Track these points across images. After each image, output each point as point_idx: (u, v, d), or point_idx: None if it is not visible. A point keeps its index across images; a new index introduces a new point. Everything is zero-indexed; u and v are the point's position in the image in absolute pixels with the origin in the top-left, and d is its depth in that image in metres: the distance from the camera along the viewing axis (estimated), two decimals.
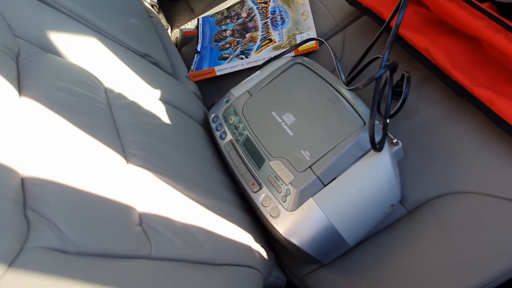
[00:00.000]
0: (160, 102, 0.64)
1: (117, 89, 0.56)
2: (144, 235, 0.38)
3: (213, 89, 0.91)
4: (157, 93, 0.65)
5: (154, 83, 0.65)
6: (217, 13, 1.01)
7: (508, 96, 0.56)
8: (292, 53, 0.81)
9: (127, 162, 0.45)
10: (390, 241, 0.59)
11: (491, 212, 0.54)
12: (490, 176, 0.56)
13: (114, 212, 0.37)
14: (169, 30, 1.11)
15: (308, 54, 0.82)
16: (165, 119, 0.60)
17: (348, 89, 0.57)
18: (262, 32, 0.88)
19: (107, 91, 0.54)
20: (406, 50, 0.69)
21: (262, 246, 0.56)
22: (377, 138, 0.52)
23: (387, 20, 0.63)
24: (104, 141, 0.44)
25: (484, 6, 0.68)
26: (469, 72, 0.60)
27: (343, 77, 0.61)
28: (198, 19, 1.02)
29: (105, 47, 0.60)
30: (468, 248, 0.53)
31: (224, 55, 0.88)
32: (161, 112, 0.61)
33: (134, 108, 0.55)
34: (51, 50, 0.52)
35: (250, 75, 0.73)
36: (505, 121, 0.55)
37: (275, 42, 0.84)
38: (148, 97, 0.61)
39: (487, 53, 0.63)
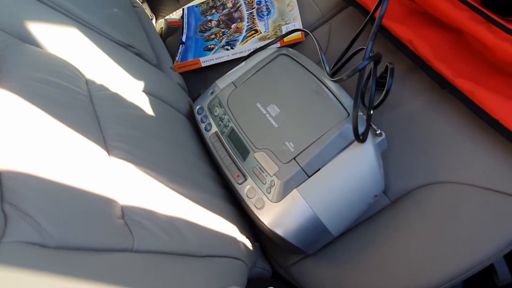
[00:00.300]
0: (144, 94, 0.63)
1: (98, 81, 0.55)
2: (126, 228, 0.38)
3: (198, 80, 0.90)
4: (141, 84, 0.64)
5: (137, 75, 0.64)
6: (203, 3, 0.99)
7: (489, 88, 0.57)
8: (278, 44, 0.80)
9: (108, 154, 0.45)
10: (373, 230, 0.60)
11: (470, 201, 0.55)
12: (471, 166, 0.57)
13: (95, 205, 0.37)
14: (153, 21, 1.10)
15: (293, 45, 0.82)
16: (149, 111, 0.59)
17: (333, 81, 0.57)
18: (247, 22, 0.88)
19: (88, 82, 0.53)
20: (390, 41, 0.69)
21: (247, 237, 0.56)
22: (361, 129, 0.52)
23: (371, 11, 0.63)
24: (84, 133, 0.43)
25: None
26: (451, 63, 0.61)
27: (327, 69, 0.61)
28: (183, 9, 1.01)
29: (86, 37, 0.59)
30: (448, 237, 0.55)
31: (209, 46, 0.87)
32: (144, 104, 0.60)
33: (116, 100, 0.54)
34: (30, 40, 0.50)
35: (236, 66, 0.72)
36: (486, 112, 0.56)
37: (261, 33, 0.84)
38: (131, 88, 0.61)
39: (470, 45, 0.63)
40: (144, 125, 0.55)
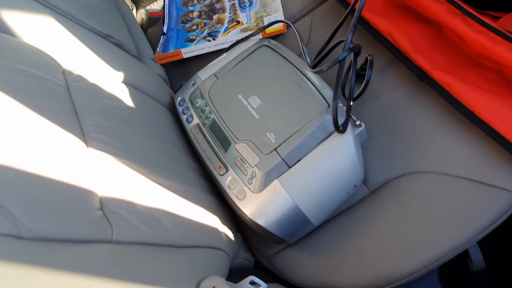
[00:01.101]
0: (124, 85, 0.62)
1: (76, 71, 0.54)
2: (105, 219, 0.37)
3: (180, 72, 0.89)
4: (120, 75, 0.63)
5: (117, 65, 0.63)
6: None
7: (465, 80, 0.59)
8: (260, 36, 0.80)
9: (87, 146, 0.44)
10: (353, 220, 0.61)
11: (446, 190, 0.56)
12: (447, 156, 0.58)
13: (72, 197, 0.36)
14: (134, 11, 1.08)
15: (275, 37, 0.82)
16: (129, 102, 0.59)
17: (313, 72, 0.58)
18: (229, 13, 0.87)
19: (65, 73, 0.52)
20: (370, 34, 0.70)
21: (229, 228, 0.57)
22: (341, 120, 0.53)
23: (351, 3, 0.63)
24: (61, 124, 0.42)
25: None
26: (429, 56, 0.62)
27: (308, 60, 0.61)
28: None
29: (62, 27, 0.57)
30: (425, 224, 0.56)
31: (191, 37, 0.86)
32: (124, 95, 0.59)
33: (94, 91, 0.53)
34: (3, 29, 0.49)
35: (218, 57, 0.72)
36: (462, 104, 0.57)
37: (243, 24, 0.83)
38: (110, 79, 0.60)
39: (447, 38, 0.65)
40: (123, 116, 0.54)
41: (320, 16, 0.82)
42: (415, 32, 0.66)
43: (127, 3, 1.05)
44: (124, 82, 0.63)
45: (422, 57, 0.62)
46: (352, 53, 0.53)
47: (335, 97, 0.51)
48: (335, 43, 0.66)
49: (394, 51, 0.65)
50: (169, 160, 0.56)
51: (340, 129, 0.53)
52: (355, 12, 0.50)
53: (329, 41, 0.70)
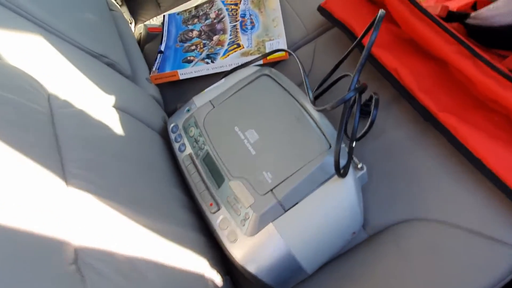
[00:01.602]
0: (114, 110, 0.58)
1: (62, 96, 0.50)
2: (78, 275, 0.33)
3: (175, 93, 0.86)
4: (111, 99, 0.59)
5: (108, 88, 0.59)
6: (185, 11, 0.95)
7: (472, 124, 0.56)
8: (260, 61, 0.77)
9: (66, 184, 0.40)
10: (349, 266, 0.57)
11: (450, 241, 0.53)
12: (452, 204, 0.55)
13: (43, 251, 0.32)
14: (132, 25, 1.05)
15: (277, 62, 0.79)
16: (118, 129, 0.55)
17: (316, 110, 0.55)
18: (230, 35, 0.84)
19: (50, 98, 0.48)
20: (375, 67, 0.67)
21: (218, 272, 0.53)
22: (342, 162, 0.50)
23: (358, 37, 0.61)
24: (39, 160, 0.38)
25: (453, 26, 0.68)
26: (435, 95, 0.59)
27: (310, 96, 0.58)
28: (164, 15, 0.96)
29: (51, 45, 0.54)
30: (426, 277, 0.53)
31: (189, 58, 0.83)
32: (114, 121, 0.55)
33: (81, 118, 0.50)
34: None
35: (216, 80, 0.69)
36: (468, 150, 0.55)
37: (243, 47, 0.80)
38: (100, 104, 0.56)
39: (455, 78, 0.62)
40: (110, 146, 0.50)
41: (324, 44, 0.79)
42: (421, 69, 0.63)
43: (126, 17, 1.02)
44: (115, 106, 0.59)
45: (428, 96, 0.59)
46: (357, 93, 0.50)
47: (338, 139, 0.48)
48: (339, 77, 0.64)
49: (399, 88, 0.63)
50: (156, 196, 0.52)
51: (341, 172, 0.49)
52: (364, 51, 0.47)
53: (331, 73, 0.68)
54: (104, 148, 0.49)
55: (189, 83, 0.83)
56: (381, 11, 0.49)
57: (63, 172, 0.41)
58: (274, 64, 0.80)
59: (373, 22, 0.54)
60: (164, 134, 0.69)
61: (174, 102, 0.84)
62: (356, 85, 0.48)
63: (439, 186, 0.57)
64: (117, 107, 0.59)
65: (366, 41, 0.63)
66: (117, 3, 1.01)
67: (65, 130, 0.46)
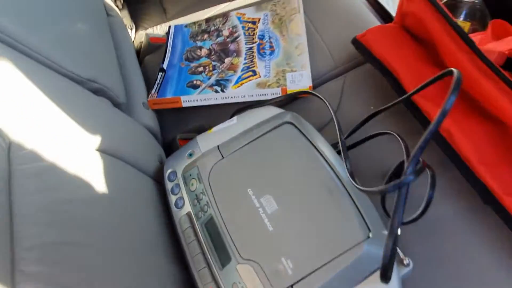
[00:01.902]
0: (98, 154, 0.46)
1: (28, 144, 0.38)
2: None
3: (176, 119, 0.73)
4: (95, 140, 0.47)
5: (92, 126, 0.47)
6: (194, 23, 0.83)
7: None
8: (279, 92, 0.65)
9: None
10: None
11: None
12: None
13: None
14: (133, 31, 0.92)
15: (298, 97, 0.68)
16: (100, 186, 0.43)
17: (361, 190, 0.42)
18: (245, 59, 0.72)
19: (11, 149, 0.36)
20: (419, 122, 0.56)
21: None
22: (378, 251, 0.38)
23: (408, 92, 0.50)
24: None
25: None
26: (499, 173, 0.48)
27: (348, 167, 0.46)
28: (169, 26, 0.84)
29: (20, 72, 0.41)
30: None
31: (194, 82, 0.71)
32: (95, 173, 0.43)
33: (49, 177, 0.37)
34: None
35: (227, 108, 0.58)
36: None
37: (260, 76, 0.68)
38: (79, 149, 0.44)
39: None
40: (84, 214, 0.38)
41: (354, 81, 0.68)
42: (479, 133, 0.52)
43: (126, 22, 0.89)
44: (98, 149, 0.47)
45: (490, 173, 0.48)
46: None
47: (391, 233, 0.36)
48: (377, 133, 0.52)
49: (452, 156, 0.51)
50: (139, 281, 0.40)
51: (387, 277, 0.38)
52: (431, 125, 0.36)
53: (364, 122, 0.57)
54: (75, 220, 0.37)
55: (193, 110, 0.70)
56: (457, 72, 0.38)
57: (12, 272, 0.29)
58: (295, 98, 0.68)
59: (437, 78, 0.43)
60: (158, 178, 0.57)
61: (174, 131, 0.72)
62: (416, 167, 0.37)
63: (489, 280, 0.46)
64: (101, 149, 0.47)
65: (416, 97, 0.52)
66: (118, 6, 0.88)
67: (23, 197, 0.34)
